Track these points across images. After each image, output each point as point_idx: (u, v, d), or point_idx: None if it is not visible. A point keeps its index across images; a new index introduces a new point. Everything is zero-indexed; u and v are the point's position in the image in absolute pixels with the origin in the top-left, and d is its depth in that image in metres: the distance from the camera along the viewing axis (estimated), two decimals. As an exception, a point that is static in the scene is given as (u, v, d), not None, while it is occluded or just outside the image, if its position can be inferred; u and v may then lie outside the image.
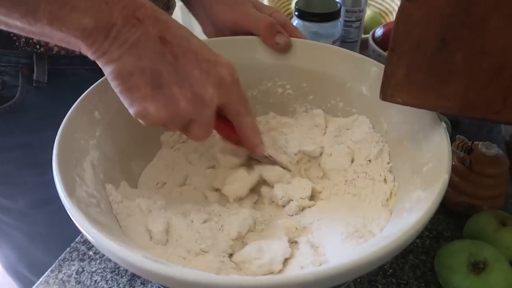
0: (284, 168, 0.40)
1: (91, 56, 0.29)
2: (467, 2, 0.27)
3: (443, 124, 0.34)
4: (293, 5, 0.89)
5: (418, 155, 0.35)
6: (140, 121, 0.30)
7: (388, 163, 0.39)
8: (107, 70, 0.29)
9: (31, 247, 0.62)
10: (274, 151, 0.41)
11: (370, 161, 0.40)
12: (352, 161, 0.41)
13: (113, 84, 0.29)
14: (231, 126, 0.36)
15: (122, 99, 0.30)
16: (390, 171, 0.38)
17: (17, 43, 0.45)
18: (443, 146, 0.32)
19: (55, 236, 0.62)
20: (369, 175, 0.39)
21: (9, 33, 0.44)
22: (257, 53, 0.46)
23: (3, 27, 0.29)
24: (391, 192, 0.37)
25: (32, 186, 0.55)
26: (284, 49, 0.45)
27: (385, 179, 0.38)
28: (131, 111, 0.30)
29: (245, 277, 0.23)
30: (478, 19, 0.28)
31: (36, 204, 0.57)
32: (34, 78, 0.48)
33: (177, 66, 0.29)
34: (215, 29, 0.51)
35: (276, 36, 0.44)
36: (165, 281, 0.23)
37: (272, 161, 0.40)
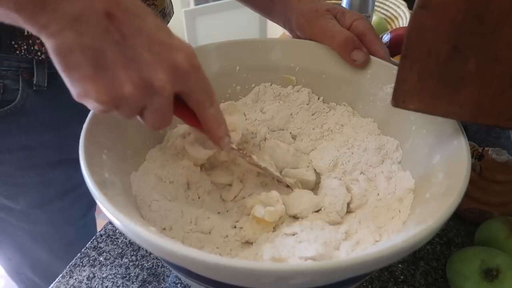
0: (257, 166, 0.39)
1: (32, 31, 0.26)
2: (479, 9, 0.28)
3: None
4: (299, 12, 0.89)
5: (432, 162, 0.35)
6: (85, 104, 0.28)
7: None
8: (47, 45, 0.26)
9: (34, 247, 0.63)
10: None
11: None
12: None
13: (55, 62, 0.26)
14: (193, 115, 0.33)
15: (64, 79, 0.27)
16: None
17: (17, 51, 0.46)
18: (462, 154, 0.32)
19: (57, 237, 0.63)
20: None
21: (10, 41, 0.45)
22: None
23: None
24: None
25: (32, 187, 0.56)
26: (362, 65, 0.44)
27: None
28: (72, 92, 0.27)
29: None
30: (491, 26, 0.28)
31: (36, 204, 0.58)
32: (34, 82, 0.49)
33: (124, 47, 0.26)
34: (300, 36, 0.50)
35: (353, 52, 0.43)
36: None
37: (242, 154, 0.38)
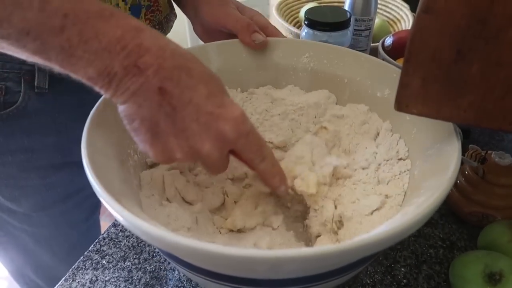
0: (306, 201, 0.40)
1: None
2: (483, 14, 0.27)
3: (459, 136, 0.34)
4: (302, 14, 0.89)
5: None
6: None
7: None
8: (118, 108, 0.31)
9: (37, 250, 0.63)
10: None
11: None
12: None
13: (123, 122, 0.31)
14: None
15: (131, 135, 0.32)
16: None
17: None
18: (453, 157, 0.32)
19: (59, 240, 0.63)
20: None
21: None
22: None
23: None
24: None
25: (35, 189, 0.56)
26: (261, 46, 0.48)
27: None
28: (139, 146, 0.32)
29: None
30: (495, 31, 0.28)
31: (39, 207, 0.58)
32: (36, 84, 0.49)
33: (174, 118, 0.30)
34: (202, 28, 0.55)
35: (253, 34, 0.48)
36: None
37: (294, 194, 0.39)
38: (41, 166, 0.55)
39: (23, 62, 0.48)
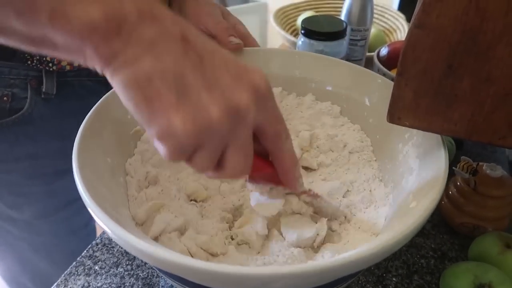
0: (332, 210, 0.37)
1: (98, 63, 0.24)
2: (474, 31, 0.28)
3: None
4: (298, 23, 0.90)
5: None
6: (162, 150, 0.25)
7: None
8: (118, 77, 0.23)
9: (35, 258, 0.63)
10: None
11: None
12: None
13: (127, 96, 0.24)
14: (263, 161, 0.30)
15: (138, 114, 0.24)
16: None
17: (29, 62, 0.46)
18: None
19: (59, 247, 0.62)
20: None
21: (24, 53, 0.45)
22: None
23: (1, 38, 0.24)
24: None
25: (38, 196, 0.56)
26: (236, 48, 0.49)
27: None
28: (152, 130, 0.24)
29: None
30: (485, 47, 0.28)
31: (41, 214, 0.58)
32: (43, 90, 0.49)
33: (204, 69, 0.24)
34: None
35: (230, 37, 0.49)
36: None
37: (313, 195, 0.36)
38: (45, 172, 0.55)
39: (29, 68, 0.49)
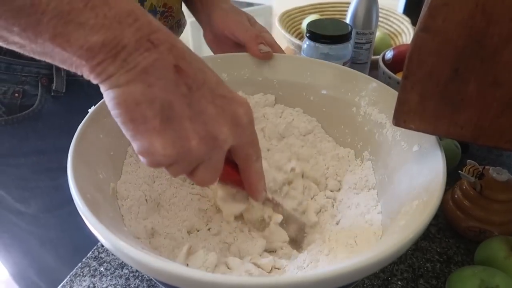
0: (287, 214, 0.40)
1: (93, 79, 0.26)
2: (480, 35, 0.28)
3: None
4: (303, 27, 0.90)
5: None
6: (142, 159, 0.27)
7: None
8: (109, 95, 0.25)
9: (42, 252, 0.64)
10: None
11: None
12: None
13: (115, 113, 0.26)
14: (234, 169, 0.34)
15: (124, 130, 0.26)
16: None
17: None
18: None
19: (65, 241, 0.63)
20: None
21: None
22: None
23: (2, 43, 0.25)
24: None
25: (44, 190, 0.57)
26: (266, 57, 0.49)
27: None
28: (134, 146, 0.27)
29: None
30: (491, 51, 0.28)
31: (48, 208, 0.59)
32: (53, 88, 0.51)
33: (191, 99, 0.26)
34: (212, 34, 0.56)
35: (260, 45, 0.49)
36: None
37: (274, 204, 0.39)
38: (52, 168, 0.56)
39: (41, 66, 0.50)
